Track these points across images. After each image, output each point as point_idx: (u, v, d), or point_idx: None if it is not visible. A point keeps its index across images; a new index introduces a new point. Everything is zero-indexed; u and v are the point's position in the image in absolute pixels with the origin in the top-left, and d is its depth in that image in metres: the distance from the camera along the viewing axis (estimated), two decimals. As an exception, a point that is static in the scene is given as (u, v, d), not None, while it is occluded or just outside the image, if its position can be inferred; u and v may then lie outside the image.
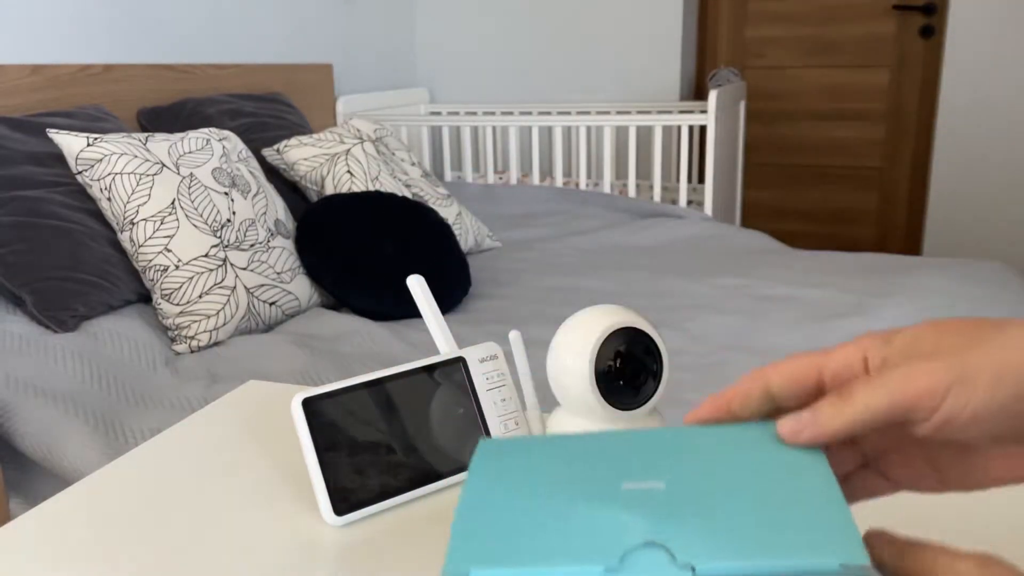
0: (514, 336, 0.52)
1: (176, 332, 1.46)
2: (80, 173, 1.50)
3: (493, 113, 3.22)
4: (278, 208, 1.73)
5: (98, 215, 1.53)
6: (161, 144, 1.57)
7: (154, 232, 1.47)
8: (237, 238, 1.56)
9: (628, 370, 0.47)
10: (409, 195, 2.06)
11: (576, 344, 0.47)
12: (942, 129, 2.88)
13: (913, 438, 0.34)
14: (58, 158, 1.55)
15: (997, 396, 0.30)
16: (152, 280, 1.47)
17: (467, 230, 2.14)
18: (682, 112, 2.90)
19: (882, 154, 3.13)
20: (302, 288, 1.64)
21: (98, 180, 1.48)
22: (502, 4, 3.22)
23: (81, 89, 1.83)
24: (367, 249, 1.70)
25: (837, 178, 3.21)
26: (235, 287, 1.51)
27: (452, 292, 1.71)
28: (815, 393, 0.36)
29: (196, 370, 1.37)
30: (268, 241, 1.62)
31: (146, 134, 1.59)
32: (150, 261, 1.47)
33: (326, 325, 1.56)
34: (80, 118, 1.68)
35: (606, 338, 0.46)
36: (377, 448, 0.49)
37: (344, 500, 0.47)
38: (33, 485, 1.22)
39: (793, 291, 1.73)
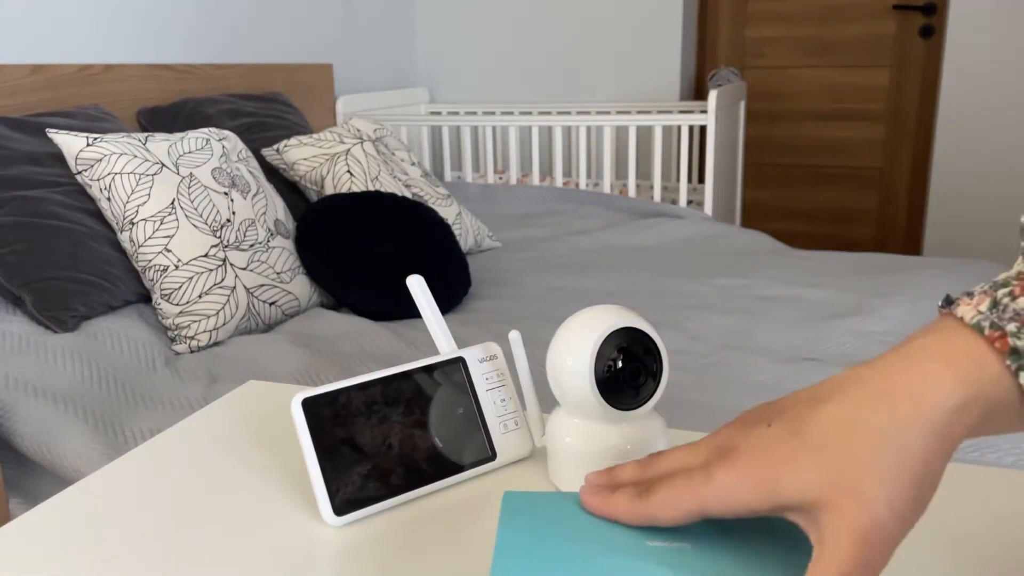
0: (514, 336, 0.52)
1: (176, 332, 1.46)
2: (80, 173, 1.50)
3: (493, 113, 3.22)
4: (278, 208, 1.73)
5: (98, 215, 1.53)
6: (161, 144, 1.57)
7: (154, 232, 1.47)
8: (237, 238, 1.56)
9: (628, 370, 0.47)
10: (409, 195, 2.06)
11: (576, 344, 0.47)
12: (942, 129, 2.88)
13: None
14: (58, 158, 1.55)
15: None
16: (152, 280, 1.47)
17: (467, 230, 2.14)
18: (682, 112, 2.90)
19: (882, 154, 3.13)
20: (302, 288, 1.64)
21: (98, 180, 1.48)
22: (502, 4, 3.22)
23: (81, 89, 1.83)
24: (367, 249, 1.70)
25: (837, 178, 3.21)
26: (235, 287, 1.51)
27: (452, 292, 1.71)
28: None
29: (196, 370, 1.37)
30: (268, 241, 1.62)
31: (146, 134, 1.59)
32: (150, 261, 1.47)
33: (326, 325, 1.56)
34: (80, 118, 1.68)
35: (606, 338, 0.46)
36: (377, 448, 0.49)
37: (344, 500, 0.47)
38: (33, 485, 1.22)
39: (793, 291, 1.73)
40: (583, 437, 0.49)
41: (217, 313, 1.47)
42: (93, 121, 1.70)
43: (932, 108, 3.01)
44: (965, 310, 0.33)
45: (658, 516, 0.35)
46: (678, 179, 3.05)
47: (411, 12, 3.29)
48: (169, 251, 1.47)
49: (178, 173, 1.54)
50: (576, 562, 0.33)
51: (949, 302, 0.34)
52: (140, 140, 1.56)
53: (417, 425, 0.51)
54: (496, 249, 2.22)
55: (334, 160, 1.99)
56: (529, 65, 3.24)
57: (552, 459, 0.51)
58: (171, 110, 1.97)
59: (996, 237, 2.90)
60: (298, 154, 1.98)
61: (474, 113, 3.22)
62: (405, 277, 1.69)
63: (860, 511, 0.30)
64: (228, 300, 1.49)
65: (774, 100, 3.21)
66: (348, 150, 2.02)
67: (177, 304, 1.45)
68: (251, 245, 1.58)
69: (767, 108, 3.23)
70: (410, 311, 1.64)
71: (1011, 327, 0.31)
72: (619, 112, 3.07)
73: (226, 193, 1.59)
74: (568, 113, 3.14)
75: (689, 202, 2.72)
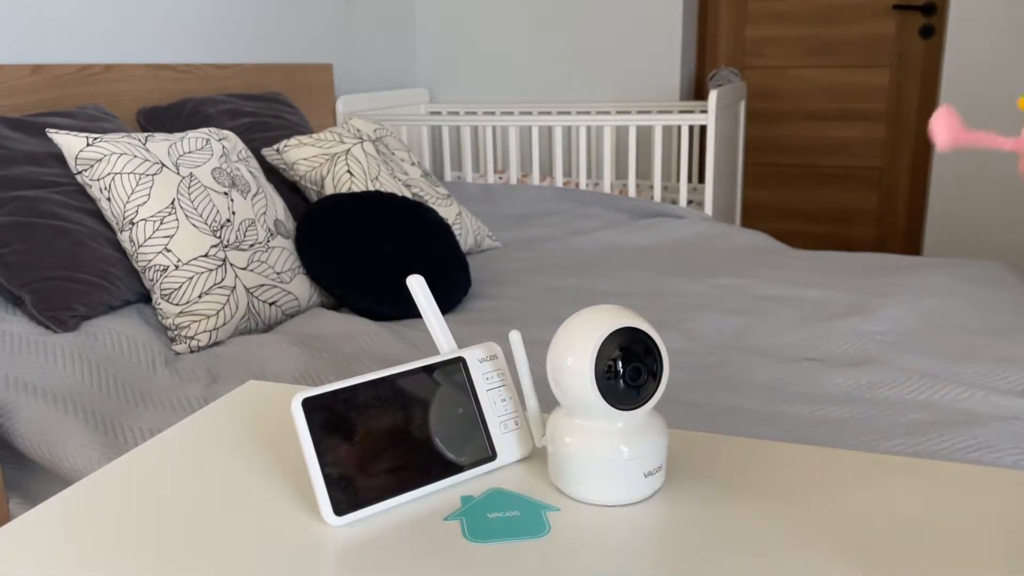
0: (514, 336, 0.52)
1: (176, 332, 1.46)
2: (80, 173, 1.50)
3: (493, 113, 3.22)
4: (278, 208, 1.73)
5: (98, 215, 1.53)
6: (161, 144, 1.57)
7: (154, 232, 1.47)
8: (237, 238, 1.56)
9: (628, 370, 0.47)
10: (409, 195, 2.06)
11: (576, 344, 0.47)
12: (942, 129, 2.88)
13: None
14: (58, 158, 1.55)
15: None
16: (152, 280, 1.47)
17: (467, 230, 2.14)
18: (682, 112, 2.90)
19: (882, 154, 3.13)
20: (302, 288, 1.64)
21: (98, 180, 1.48)
22: (502, 4, 3.22)
23: (81, 89, 1.83)
24: (367, 249, 1.70)
25: (837, 178, 3.21)
26: (235, 287, 1.51)
27: (452, 292, 1.71)
28: None
29: (196, 370, 1.37)
30: (268, 241, 1.62)
31: (146, 134, 1.59)
32: (150, 261, 1.47)
33: (326, 325, 1.56)
34: (80, 118, 1.68)
35: (606, 338, 0.46)
36: (377, 448, 0.49)
37: (344, 500, 0.47)
38: (33, 485, 1.22)
39: (793, 291, 1.73)
40: (583, 437, 0.49)
41: (217, 313, 1.47)
42: (93, 121, 1.70)
43: (932, 108, 3.01)
44: None
45: None
46: (678, 179, 3.05)
47: (411, 12, 3.29)
48: (169, 251, 1.47)
49: (178, 173, 1.54)
50: None
51: None
52: (140, 140, 1.56)
53: (417, 425, 0.51)
54: (496, 249, 2.22)
55: (334, 160, 1.99)
56: (529, 65, 3.24)
57: (552, 459, 0.51)
58: (171, 110, 1.97)
59: (996, 237, 2.90)
60: (298, 154, 1.98)
61: (474, 113, 3.22)
62: (405, 277, 1.69)
63: None
64: (228, 300, 1.49)
65: (774, 100, 3.21)
66: (348, 150, 2.02)
67: (177, 304, 1.45)
68: (251, 245, 1.58)
69: (767, 108, 3.23)
70: (410, 311, 1.64)
71: None
72: (619, 112, 3.07)
73: (226, 193, 1.59)
74: (568, 113, 3.14)
75: (689, 202, 2.72)
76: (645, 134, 3.11)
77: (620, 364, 0.46)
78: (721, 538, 0.46)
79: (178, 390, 1.29)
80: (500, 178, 2.98)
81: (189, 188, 1.54)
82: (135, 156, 1.51)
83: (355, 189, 1.95)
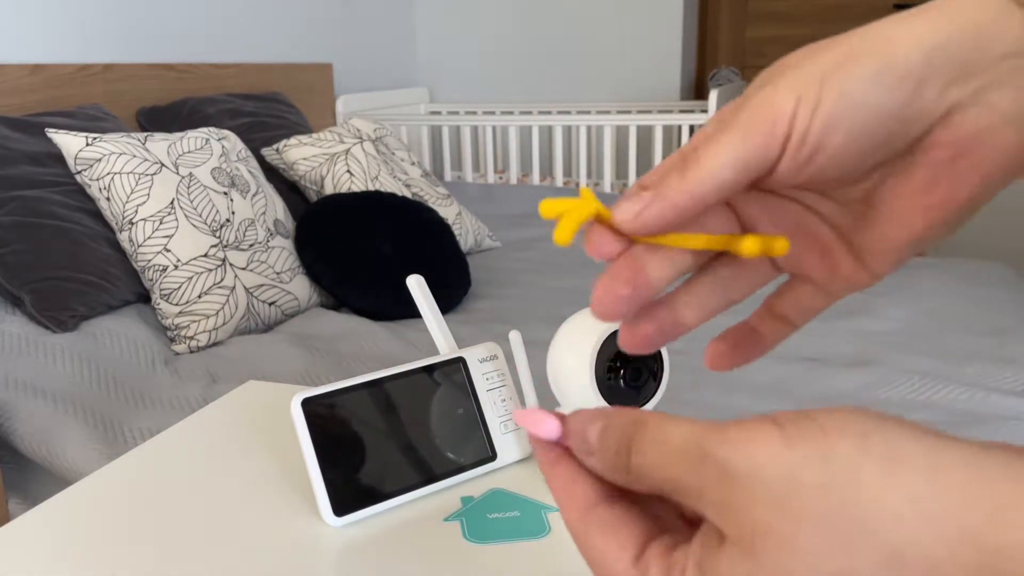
0: (514, 336, 0.52)
1: (175, 332, 1.45)
2: (79, 173, 1.49)
3: (493, 113, 3.21)
4: (277, 208, 1.73)
5: (97, 215, 1.53)
6: (160, 144, 1.57)
7: (153, 232, 1.47)
8: (236, 238, 1.56)
9: (628, 370, 0.47)
10: (409, 195, 2.06)
11: (576, 344, 0.47)
12: (942, 129, 2.88)
13: (799, 209, 0.29)
14: (57, 158, 1.55)
15: (853, 89, 0.24)
16: (151, 280, 1.47)
17: (467, 230, 2.14)
18: (682, 112, 2.90)
19: (882, 154, 3.13)
20: (301, 288, 1.64)
21: (97, 180, 1.48)
22: (502, 4, 3.21)
23: (80, 89, 1.83)
24: (367, 249, 1.69)
25: (837, 178, 3.21)
26: (234, 287, 1.51)
27: (452, 292, 1.71)
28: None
29: (195, 370, 1.37)
30: (267, 241, 1.62)
31: (145, 134, 1.59)
32: (149, 261, 1.47)
33: (326, 325, 1.56)
34: (79, 118, 1.68)
35: (607, 338, 0.46)
36: (377, 448, 0.49)
37: (344, 500, 0.47)
38: (33, 485, 1.21)
39: (793, 291, 1.73)
40: (583, 437, 0.48)
41: (217, 313, 1.47)
42: (93, 121, 1.70)
43: (932, 108, 3.01)
44: None
45: None
46: (678, 179, 3.04)
47: (411, 12, 3.29)
48: (168, 251, 1.47)
49: (177, 173, 1.54)
50: None
51: None
52: (140, 140, 1.56)
53: (417, 425, 0.51)
54: (496, 249, 2.22)
55: (334, 160, 1.98)
56: (529, 65, 3.24)
57: (552, 459, 0.51)
58: (171, 110, 1.97)
59: (996, 237, 2.90)
60: (298, 154, 1.98)
61: (474, 113, 3.22)
62: (404, 277, 1.68)
63: None
64: (228, 300, 1.49)
65: (774, 100, 3.21)
66: (348, 150, 2.02)
67: (177, 304, 1.45)
68: (251, 245, 1.58)
69: (767, 108, 3.22)
70: (410, 311, 1.63)
71: None
72: (619, 112, 3.07)
73: (226, 193, 1.59)
74: (568, 113, 3.14)
75: (689, 202, 2.71)
76: (645, 134, 3.11)
77: (620, 364, 0.46)
78: (721, 538, 0.46)
79: (178, 390, 1.29)
80: (500, 178, 2.98)
81: (189, 188, 1.53)
82: (134, 156, 1.51)
83: (355, 189, 1.95)
